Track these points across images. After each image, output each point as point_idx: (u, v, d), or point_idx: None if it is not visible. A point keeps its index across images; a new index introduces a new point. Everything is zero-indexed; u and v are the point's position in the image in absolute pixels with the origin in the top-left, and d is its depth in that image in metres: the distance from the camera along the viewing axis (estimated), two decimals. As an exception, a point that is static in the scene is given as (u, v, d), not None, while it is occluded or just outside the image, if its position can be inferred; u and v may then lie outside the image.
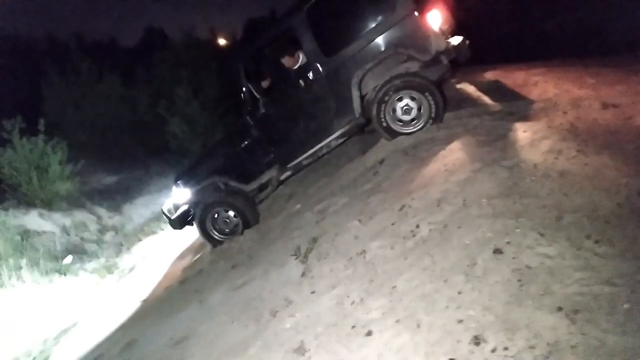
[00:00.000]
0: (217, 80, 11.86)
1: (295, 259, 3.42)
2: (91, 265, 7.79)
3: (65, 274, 7.45)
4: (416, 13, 4.17)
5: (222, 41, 20.89)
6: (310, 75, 4.50)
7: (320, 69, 4.47)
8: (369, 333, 2.25)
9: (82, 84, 12.10)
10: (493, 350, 1.80)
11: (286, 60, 4.78)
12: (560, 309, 1.88)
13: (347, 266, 2.92)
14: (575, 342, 1.72)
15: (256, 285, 3.48)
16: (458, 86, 5.50)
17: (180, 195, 5.17)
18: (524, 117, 3.95)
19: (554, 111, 3.95)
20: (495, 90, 5.04)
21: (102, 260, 7.92)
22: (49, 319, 6.05)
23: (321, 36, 4.43)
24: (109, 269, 7.49)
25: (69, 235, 8.75)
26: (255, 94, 4.66)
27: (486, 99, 4.82)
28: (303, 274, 3.16)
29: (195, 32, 15.32)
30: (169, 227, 8.51)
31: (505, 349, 1.78)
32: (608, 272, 2.00)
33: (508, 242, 2.35)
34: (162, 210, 5.48)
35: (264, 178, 4.90)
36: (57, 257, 7.75)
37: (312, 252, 3.34)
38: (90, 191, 10.52)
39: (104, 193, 10.61)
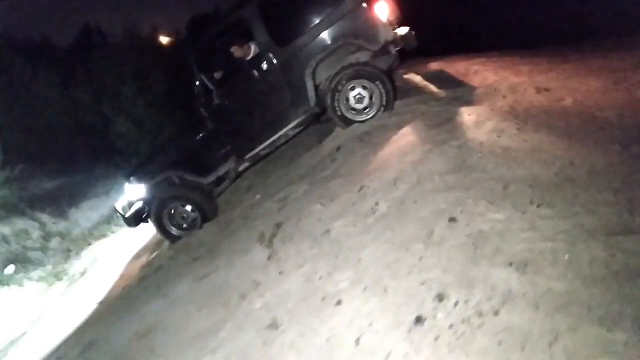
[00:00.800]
0: (164, 78, 11.58)
1: (260, 245, 3.48)
2: (37, 273, 7.43)
3: (8, 285, 7.09)
4: (364, 5, 4.33)
5: (165, 39, 20.33)
6: (264, 66, 4.57)
7: (274, 59, 4.54)
8: (339, 302, 2.37)
9: (15, 85, 11.43)
10: (456, 304, 1.97)
11: (237, 51, 4.82)
12: (511, 264, 2.08)
13: (312, 246, 3.03)
14: (525, 291, 1.93)
15: (221, 273, 3.51)
16: (405, 77, 5.75)
17: (134, 192, 5.06)
18: (468, 102, 4.23)
19: (495, 96, 4.25)
20: (440, 79, 5.32)
21: (49, 267, 7.58)
22: (-6, 330, 5.76)
23: (273, 27, 4.50)
24: (57, 275, 7.18)
25: (9, 244, 8.29)
26: (209, 85, 4.66)
27: (432, 87, 5.08)
28: (269, 258, 3.23)
29: (137, 30, 14.89)
30: (120, 230, 8.39)
31: (466, 302, 1.96)
32: (550, 230, 2.24)
33: (461, 212, 2.55)
34: (115, 208, 5.34)
35: (221, 171, 4.91)
36: (-2, 268, 7.36)
37: (277, 237, 3.42)
38: (31, 197, 9.98)
39: (46, 198, 10.10)
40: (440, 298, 2.04)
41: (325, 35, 4.46)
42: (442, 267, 2.22)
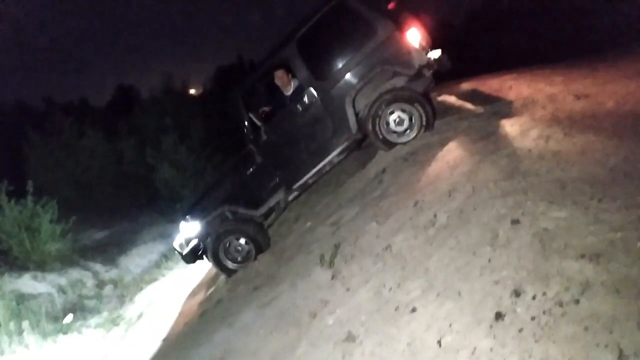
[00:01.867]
0: (201, 125, 12.13)
1: (321, 267, 3.60)
2: (94, 320, 7.67)
3: (67, 333, 7.34)
4: (397, 33, 4.56)
5: (196, 90, 21.34)
6: (306, 99, 4.81)
7: (315, 92, 4.79)
8: (414, 310, 2.45)
9: (64, 143, 12.18)
10: (534, 297, 2.03)
11: (278, 79, 5.11)
12: (583, 256, 2.14)
13: (375, 262, 3.13)
14: (603, 278, 1.98)
15: (286, 297, 3.63)
16: (439, 98, 5.91)
17: (189, 229, 5.30)
18: (508, 115, 4.33)
19: (534, 106, 4.34)
20: (475, 97, 5.45)
21: (105, 314, 7.81)
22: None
23: (312, 63, 4.77)
24: (114, 321, 7.39)
25: (66, 294, 8.62)
26: (257, 122, 4.92)
27: (468, 105, 5.21)
28: (333, 277, 3.34)
29: (170, 83, 15.74)
30: (170, 272, 8.63)
31: (544, 294, 2.02)
32: (616, 222, 2.29)
33: (523, 213, 2.62)
34: (173, 246, 5.57)
35: (272, 202, 5.10)
36: (57, 318, 7.62)
37: (337, 257, 3.53)
38: (82, 248, 10.42)
39: (97, 248, 10.53)
40: (517, 293, 2.10)
41: (362, 65, 4.68)
42: (513, 265, 2.29)
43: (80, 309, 8.09)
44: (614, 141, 3.09)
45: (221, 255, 5.17)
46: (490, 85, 5.72)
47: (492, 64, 9.05)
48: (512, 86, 5.34)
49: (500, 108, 4.62)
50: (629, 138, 3.07)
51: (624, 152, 2.88)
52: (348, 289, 3.07)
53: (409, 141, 4.64)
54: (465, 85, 6.26)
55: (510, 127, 3.92)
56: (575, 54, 6.75)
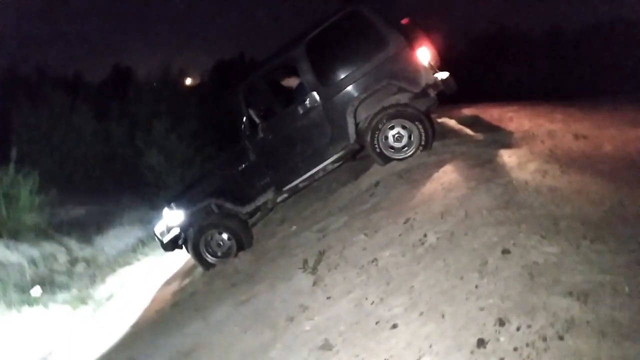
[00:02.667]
0: (195, 115, 12.03)
1: (303, 272, 3.55)
2: (62, 296, 7.48)
3: (32, 305, 7.15)
4: (407, 49, 4.57)
5: (194, 80, 21.21)
6: (308, 103, 4.79)
7: (318, 97, 4.76)
8: (394, 326, 2.42)
9: (54, 116, 11.94)
10: (518, 329, 2.01)
11: (287, 81, 5.09)
12: (570, 293, 2.13)
13: (359, 273, 3.10)
14: (589, 318, 1.97)
15: (264, 298, 3.57)
16: (439, 120, 5.93)
17: (173, 217, 5.20)
18: (507, 145, 4.35)
19: (533, 140, 4.38)
20: (475, 123, 5.49)
21: (74, 291, 7.63)
22: (20, 349, 5.79)
23: (319, 67, 4.75)
24: (83, 299, 7.22)
25: (36, 266, 8.40)
26: (255, 119, 4.88)
27: (468, 131, 5.24)
28: (315, 284, 3.29)
29: (168, 70, 15.62)
30: (146, 258, 8.49)
31: (529, 326, 2.00)
32: (606, 264, 2.29)
33: (514, 244, 2.61)
34: (154, 232, 5.47)
35: (260, 201, 5.04)
36: (25, 289, 7.44)
37: (321, 264, 3.49)
38: (59, 222, 10.18)
39: (74, 224, 10.29)
40: (502, 322, 2.08)
41: (368, 76, 4.67)
42: (500, 294, 2.27)
43: (49, 283, 7.89)
44: (610, 185, 3.12)
45: (202, 247, 5.09)
46: (491, 114, 5.77)
47: (494, 93, 9.17)
48: (512, 117, 5.39)
49: (499, 137, 4.65)
50: (624, 184, 3.11)
51: (619, 197, 2.90)
52: (329, 297, 3.03)
53: (405, 158, 4.63)
54: (467, 111, 6.31)
55: (508, 157, 3.93)
56: (577, 95, 6.84)
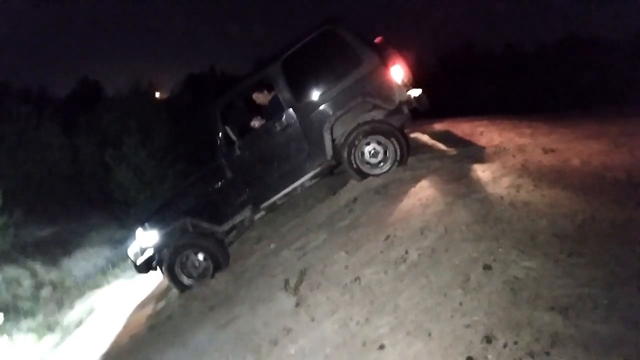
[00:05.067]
0: (165, 131, 11.82)
1: (285, 292, 3.51)
2: (27, 324, 7.18)
3: (-3, 335, 6.81)
4: (381, 67, 4.64)
5: (163, 94, 20.90)
6: (284, 120, 4.79)
7: (294, 114, 4.77)
8: (382, 347, 2.41)
9: (18, 131, 11.50)
10: (505, 346, 2.04)
11: (258, 97, 5.08)
12: (553, 308, 2.18)
13: (343, 293, 3.08)
14: (572, 332, 2.02)
15: (245, 321, 3.51)
16: (412, 135, 6.02)
17: (146, 238, 5.07)
18: (480, 160, 4.45)
19: (504, 155, 4.50)
20: (447, 138, 5.60)
21: (40, 318, 7.32)
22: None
23: (295, 85, 4.77)
24: (50, 326, 6.94)
25: (-1, 292, 8.04)
26: (232, 136, 4.84)
27: (441, 146, 5.34)
28: (297, 305, 3.26)
29: (137, 84, 15.35)
30: (116, 280, 8.22)
31: (515, 343, 2.03)
32: (584, 277, 2.36)
33: (494, 260, 2.66)
34: (127, 253, 5.31)
35: (237, 219, 4.98)
36: (-14, 317, 7.09)
37: (303, 284, 3.46)
38: (23, 244, 9.77)
39: (39, 246, 9.88)
40: (488, 340, 2.11)
41: (344, 94, 4.72)
42: (484, 310, 2.30)
43: (13, 309, 7.56)
44: (581, 198, 3.22)
45: (177, 269, 4.97)
46: (462, 128, 5.90)
47: (462, 108, 9.41)
48: (483, 132, 5.53)
49: (472, 152, 4.76)
50: (594, 197, 3.22)
51: (590, 210, 3.00)
52: (313, 319, 3.00)
53: (381, 174, 4.68)
54: (438, 126, 6.44)
55: (482, 172, 4.02)
56: (541, 108, 7.10)
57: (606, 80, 11.62)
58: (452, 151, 4.99)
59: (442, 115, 7.66)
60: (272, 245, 4.80)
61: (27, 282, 8.57)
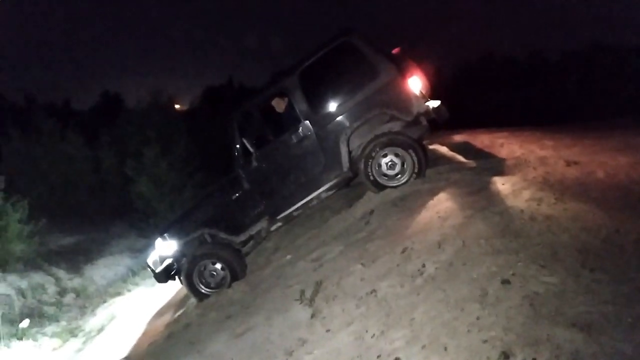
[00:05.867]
0: (185, 142, 12.00)
1: (300, 303, 3.50)
2: (51, 328, 7.30)
3: (21, 339, 6.95)
4: (399, 78, 4.64)
5: (181, 106, 21.29)
6: (301, 131, 4.81)
7: (311, 126, 4.79)
8: (397, 360, 2.38)
9: (44, 143, 11.86)
10: (523, 363, 1.99)
11: (278, 104, 5.13)
12: (574, 325, 2.12)
13: (358, 305, 3.06)
14: (593, 350, 1.96)
15: (261, 331, 3.50)
16: (431, 147, 5.99)
17: (165, 248, 5.14)
18: (500, 172, 4.39)
19: (525, 167, 4.43)
20: (467, 150, 5.55)
21: (64, 323, 7.45)
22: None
23: (312, 97, 4.80)
24: (72, 331, 7.04)
25: (25, 298, 8.21)
26: (249, 148, 4.88)
27: (460, 158, 5.29)
28: (313, 316, 3.24)
29: (157, 96, 15.65)
30: (136, 288, 8.32)
31: (534, 359, 1.98)
32: (607, 294, 2.29)
33: (513, 274, 2.61)
34: (146, 262, 5.39)
35: (253, 229, 5.00)
36: (13, 322, 7.24)
37: (319, 295, 3.44)
38: (48, 252, 10.00)
39: (63, 254, 10.11)
40: (506, 356, 2.06)
41: (361, 105, 4.73)
42: (502, 326, 2.25)
43: (38, 315, 7.72)
44: (605, 212, 3.14)
45: (195, 278, 5.01)
46: (482, 140, 5.84)
47: (482, 119, 9.31)
48: (503, 144, 5.46)
49: (492, 164, 4.70)
50: (618, 211, 3.14)
51: (614, 224, 2.93)
52: (328, 330, 2.98)
53: (399, 186, 4.66)
54: (457, 137, 6.38)
55: (502, 185, 3.96)
56: (564, 119, 6.98)
57: (634, 90, 11.34)
58: (472, 163, 4.93)
59: (461, 127, 7.60)
60: (289, 256, 4.80)
61: (51, 289, 8.74)
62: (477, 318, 2.38)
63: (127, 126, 13.18)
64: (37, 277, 8.71)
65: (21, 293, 8.03)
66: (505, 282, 2.56)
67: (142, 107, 13.89)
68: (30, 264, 8.91)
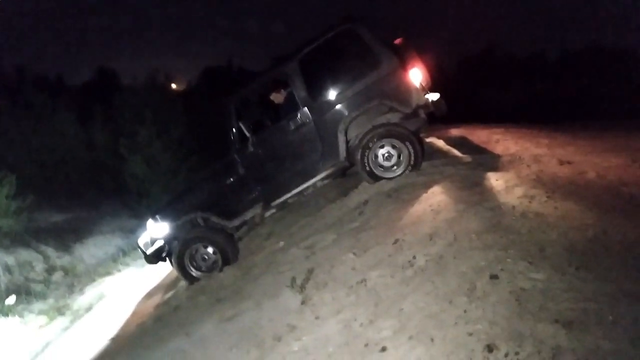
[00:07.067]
0: (181, 123, 11.93)
1: (291, 290, 3.54)
2: (38, 306, 7.32)
3: (7, 315, 6.96)
4: (400, 69, 4.63)
5: (178, 86, 21.09)
6: (299, 119, 4.81)
7: (309, 114, 4.79)
8: (384, 349, 2.42)
9: (34, 118, 11.69)
10: (506, 355, 2.04)
11: (274, 97, 5.10)
12: (557, 321, 2.17)
13: (348, 294, 3.10)
14: (574, 346, 2.01)
15: (250, 315, 3.55)
16: (428, 140, 6.01)
17: (157, 229, 5.14)
18: (494, 168, 4.44)
19: (519, 164, 4.47)
20: (463, 145, 5.59)
21: (51, 301, 7.47)
22: (-7, 360, 5.62)
23: (311, 84, 4.79)
24: (60, 310, 7.06)
25: (12, 274, 8.21)
26: (246, 133, 4.88)
27: (456, 152, 5.33)
28: (303, 302, 3.28)
29: (154, 75, 15.52)
30: (127, 268, 8.34)
31: (517, 353, 2.03)
32: (591, 292, 2.34)
33: (502, 269, 2.65)
34: (137, 243, 5.40)
35: (247, 215, 5.02)
36: (-1, 298, 7.26)
37: (309, 282, 3.48)
38: (36, 229, 9.95)
39: (52, 232, 10.07)
40: (490, 349, 2.11)
41: (360, 95, 4.72)
42: (488, 319, 2.30)
43: (25, 292, 7.72)
44: (594, 212, 3.19)
45: (186, 261, 5.04)
46: (479, 136, 5.87)
47: (480, 114, 9.35)
48: (499, 140, 5.50)
49: (486, 160, 4.74)
50: (607, 212, 3.18)
51: (602, 225, 2.97)
52: (317, 317, 3.02)
53: (394, 177, 4.68)
54: (454, 132, 6.42)
55: (495, 180, 4.00)
56: (561, 118, 7.03)
57: (632, 92, 11.41)
58: (467, 158, 4.97)
59: (459, 121, 7.64)
60: (281, 243, 4.84)
61: (39, 266, 8.74)
62: (465, 311, 2.43)
63: (123, 104, 13.07)
64: (25, 254, 8.69)
65: (8, 269, 8.02)
66: (494, 277, 2.61)
67: (138, 84, 13.76)
68: (18, 240, 8.87)
